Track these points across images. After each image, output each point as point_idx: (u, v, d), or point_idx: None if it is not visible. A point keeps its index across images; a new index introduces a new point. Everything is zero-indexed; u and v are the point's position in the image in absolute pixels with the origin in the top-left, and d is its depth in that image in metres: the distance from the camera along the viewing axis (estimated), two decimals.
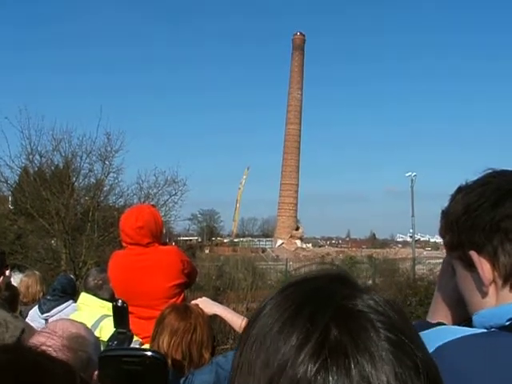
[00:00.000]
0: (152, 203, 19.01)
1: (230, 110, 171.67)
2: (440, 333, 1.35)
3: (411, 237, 50.31)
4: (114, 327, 2.45)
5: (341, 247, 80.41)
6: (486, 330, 1.33)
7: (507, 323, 1.31)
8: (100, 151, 21.85)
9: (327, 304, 0.85)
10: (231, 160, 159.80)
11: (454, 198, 1.49)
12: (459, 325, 1.53)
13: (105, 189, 22.24)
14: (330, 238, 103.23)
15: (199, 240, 79.22)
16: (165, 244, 4.78)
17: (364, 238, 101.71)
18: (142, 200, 22.21)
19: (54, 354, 1.93)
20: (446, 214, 1.50)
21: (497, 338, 1.29)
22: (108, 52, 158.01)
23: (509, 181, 1.40)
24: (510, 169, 1.50)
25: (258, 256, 54.30)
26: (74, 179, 21.65)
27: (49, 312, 5.94)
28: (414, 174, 50.73)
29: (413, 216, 49.33)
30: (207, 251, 54.13)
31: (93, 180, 22.41)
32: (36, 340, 2.02)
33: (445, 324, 1.56)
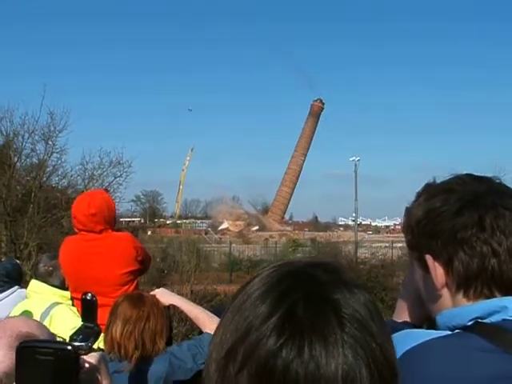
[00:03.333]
0: (105, 187, 18.68)
1: (176, 92, 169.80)
2: (407, 337, 1.39)
3: (353, 220, 51.01)
4: (82, 321, 2.40)
5: (284, 230, 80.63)
6: (449, 332, 1.38)
7: (469, 323, 1.36)
8: (43, 131, 21.46)
9: (301, 285, 0.93)
10: (175, 141, 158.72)
11: (418, 197, 1.53)
12: (422, 324, 1.63)
13: (47, 169, 21.75)
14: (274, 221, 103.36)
15: (142, 221, 78.55)
16: (118, 230, 4.70)
17: (307, 221, 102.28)
18: (86, 181, 21.90)
19: (3, 354, 1.86)
20: (408, 214, 1.54)
21: (461, 339, 1.34)
22: (51, 29, 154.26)
23: (472, 191, 1.43)
24: (474, 173, 1.54)
25: (202, 238, 54.17)
26: (16, 159, 21.12)
27: None
28: (358, 158, 51.33)
29: (356, 200, 50.01)
30: (150, 233, 53.73)
31: (35, 160, 21.96)
32: None
33: (409, 323, 1.63)
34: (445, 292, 1.45)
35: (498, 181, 1.50)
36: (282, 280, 0.95)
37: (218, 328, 0.98)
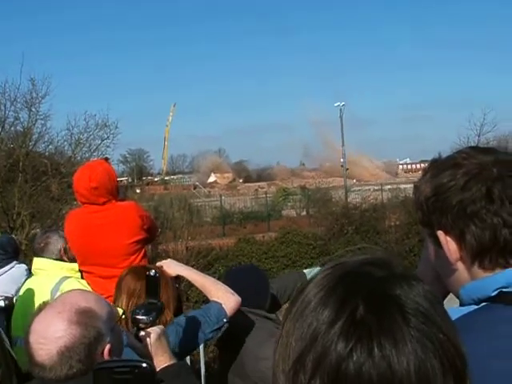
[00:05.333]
0: (105, 156, 18.46)
1: (155, 47, 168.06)
2: None
3: (342, 166, 50.88)
4: (146, 297, 2.53)
5: (272, 179, 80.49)
6: (476, 307, 1.40)
7: (493, 294, 1.38)
8: (25, 98, 21.00)
9: (360, 286, 0.94)
10: (157, 97, 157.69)
11: (425, 173, 1.54)
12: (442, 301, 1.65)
13: (33, 137, 21.42)
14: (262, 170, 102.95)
15: (129, 180, 78.35)
16: (123, 200, 4.68)
17: (295, 168, 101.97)
18: (73, 146, 21.74)
19: (63, 329, 1.97)
20: (417, 191, 1.55)
21: (489, 312, 1.37)
22: None
23: (477, 164, 1.43)
24: (479, 146, 1.58)
25: (191, 193, 54.15)
26: (0, 129, 20.90)
27: None
28: (343, 103, 51.08)
29: (343, 145, 49.96)
30: (138, 191, 53.67)
31: (19, 128, 21.59)
32: (44, 315, 2.04)
33: None
34: (460, 265, 1.46)
35: (503, 151, 1.50)
36: (339, 283, 0.96)
37: (279, 337, 0.99)
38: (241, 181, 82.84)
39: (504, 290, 1.37)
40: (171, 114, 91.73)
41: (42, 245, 4.80)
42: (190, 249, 22.47)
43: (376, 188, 36.13)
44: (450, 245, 1.44)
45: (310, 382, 0.91)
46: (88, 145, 22.08)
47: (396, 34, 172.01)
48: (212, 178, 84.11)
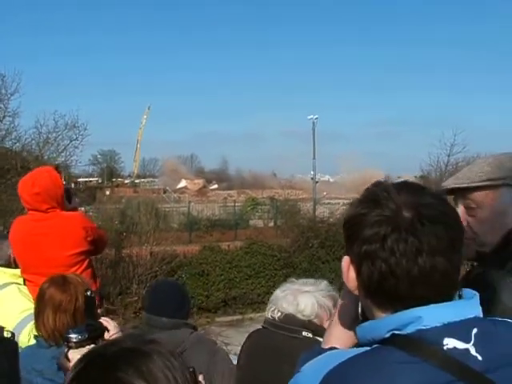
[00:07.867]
0: (56, 163, 18.30)
1: (136, 50, 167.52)
2: (327, 360, 1.44)
3: (312, 178, 50.99)
4: (86, 317, 2.55)
5: (242, 188, 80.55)
6: (368, 348, 1.42)
7: (387, 335, 1.41)
8: None
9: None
10: (131, 99, 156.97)
11: (363, 194, 1.56)
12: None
13: (0, 133, 21.34)
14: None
15: (99, 181, 77.86)
16: (73, 209, 4.61)
17: (265, 178, 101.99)
18: (41, 145, 21.61)
19: None
20: (348, 208, 1.61)
21: (380, 354, 1.39)
22: None
23: (391, 209, 1.44)
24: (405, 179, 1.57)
25: (160, 197, 53.87)
26: None
27: None
28: (316, 116, 51.16)
29: (314, 158, 50.06)
30: (108, 192, 53.37)
31: None
32: None
33: (336, 348, 1.64)
34: (359, 295, 1.52)
35: (431, 193, 1.50)
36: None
37: None
38: (211, 188, 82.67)
39: (396, 332, 1.39)
40: (145, 116, 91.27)
41: None
42: (155, 254, 22.36)
43: (346, 202, 36.23)
44: (350, 272, 1.50)
45: None
46: (56, 144, 22.11)
47: (369, 54, 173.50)
48: (182, 184, 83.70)
